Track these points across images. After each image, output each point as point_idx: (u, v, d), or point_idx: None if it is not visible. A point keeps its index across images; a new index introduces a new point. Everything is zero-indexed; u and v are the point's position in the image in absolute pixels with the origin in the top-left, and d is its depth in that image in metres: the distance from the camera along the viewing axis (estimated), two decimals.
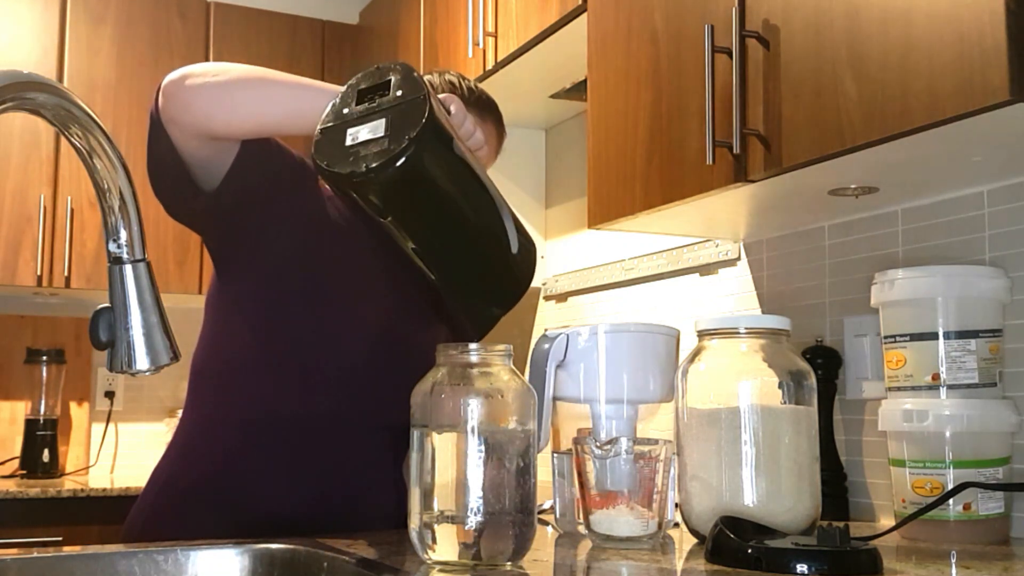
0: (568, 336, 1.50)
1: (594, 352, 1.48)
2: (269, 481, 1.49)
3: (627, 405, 1.48)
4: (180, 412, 1.63)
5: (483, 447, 1.12)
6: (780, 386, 1.34)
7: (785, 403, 1.34)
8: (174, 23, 3.47)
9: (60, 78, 3.29)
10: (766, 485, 1.31)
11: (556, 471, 1.50)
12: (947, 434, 1.45)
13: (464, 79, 1.73)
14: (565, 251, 2.91)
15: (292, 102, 1.41)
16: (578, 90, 2.63)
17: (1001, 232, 1.60)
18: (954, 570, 1.20)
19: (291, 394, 1.51)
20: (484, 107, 1.71)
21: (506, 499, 1.13)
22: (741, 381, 1.34)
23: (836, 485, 1.80)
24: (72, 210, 3.27)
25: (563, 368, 1.50)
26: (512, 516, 1.12)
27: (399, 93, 1.27)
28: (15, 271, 3.23)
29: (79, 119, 0.95)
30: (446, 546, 1.12)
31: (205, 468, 1.51)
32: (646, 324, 1.54)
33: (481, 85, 2.62)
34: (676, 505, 1.39)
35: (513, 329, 3.08)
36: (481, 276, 1.40)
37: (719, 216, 1.91)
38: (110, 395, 3.61)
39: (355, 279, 1.56)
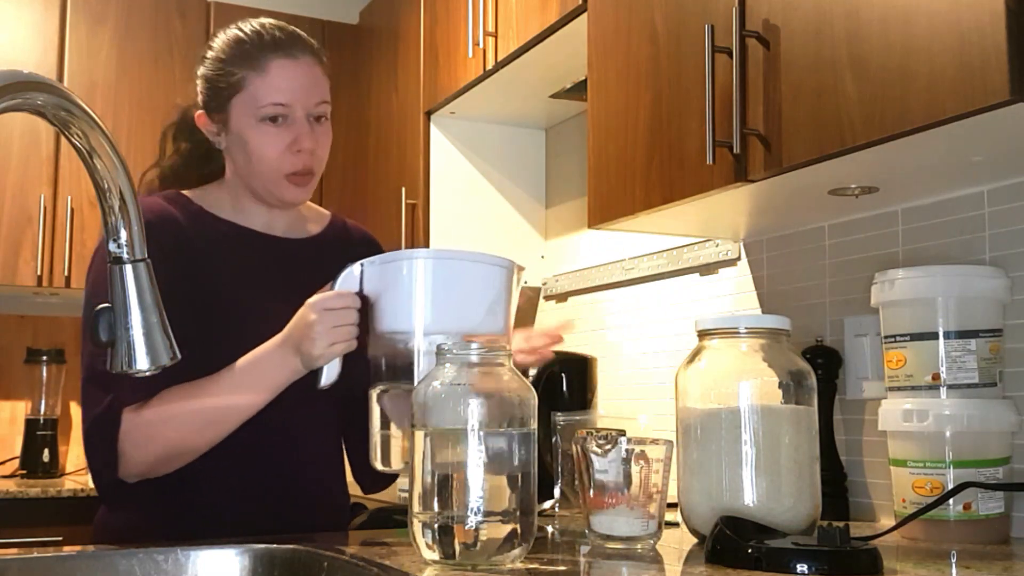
0: (363, 266, 1.37)
1: (407, 282, 1.35)
2: (221, 491, 1.48)
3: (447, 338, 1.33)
4: None
5: (483, 447, 1.12)
6: (780, 386, 1.34)
7: (785, 403, 1.34)
8: (174, 23, 3.47)
9: (60, 78, 3.29)
10: (766, 485, 1.31)
11: (372, 409, 1.40)
12: (947, 434, 1.45)
13: (267, 24, 1.57)
14: (565, 251, 2.91)
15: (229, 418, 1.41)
16: (578, 90, 2.63)
17: (1001, 232, 1.60)
18: (954, 570, 1.20)
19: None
20: (289, 45, 1.55)
21: (506, 499, 1.13)
22: (741, 381, 1.34)
23: (836, 485, 1.80)
24: (72, 210, 3.27)
25: (380, 299, 1.37)
26: (512, 516, 1.12)
27: None
28: (15, 271, 3.23)
29: (79, 119, 0.95)
30: (446, 546, 1.12)
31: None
32: (467, 253, 1.40)
33: (481, 85, 2.65)
34: (673, 505, 1.39)
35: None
36: None
37: (719, 216, 1.91)
38: None
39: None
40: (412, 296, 1.34)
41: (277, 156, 1.51)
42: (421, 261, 1.35)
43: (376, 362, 1.36)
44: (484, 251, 1.44)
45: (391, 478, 1.65)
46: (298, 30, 1.58)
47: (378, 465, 1.38)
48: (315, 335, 1.34)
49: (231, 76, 1.51)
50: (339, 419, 1.61)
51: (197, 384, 1.41)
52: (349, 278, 1.37)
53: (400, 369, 1.34)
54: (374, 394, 1.37)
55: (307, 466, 1.55)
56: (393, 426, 1.38)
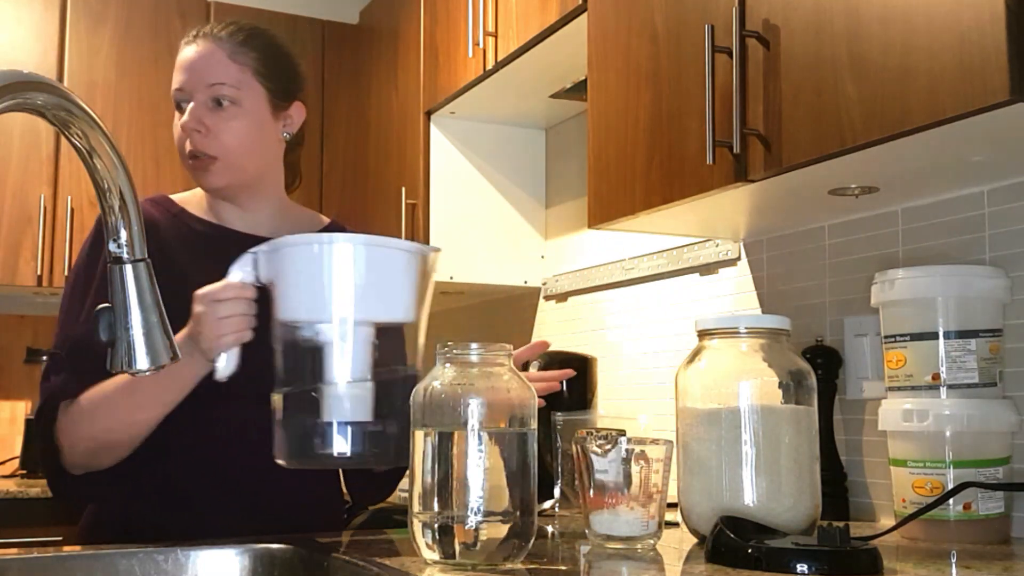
0: (256, 254, 1.32)
1: (306, 268, 1.28)
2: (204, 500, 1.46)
3: (359, 328, 1.27)
4: None
5: (483, 447, 1.12)
6: (780, 386, 1.34)
7: (785, 403, 1.34)
8: (174, 23, 3.47)
9: (60, 78, 3.29)
10: (766, 485, 1.31)
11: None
12: (947, 434, 1.45)
13: (221, 25, 1.58)
14: (565, 251, 2.91)
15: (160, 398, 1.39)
16: (578, 90, 2.63)
17: (1001, 232, 1.60)
18: (954, 570, 1.20)
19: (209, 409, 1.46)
20: (199, 35, 1.55)
21: (506, 499, 1.13)
22: (741, 381, 1.34)
23: (836, 485, 1.80)
24: (72, 210, 3.27)
25: (278, 287, 1.30)
26: (512, 516, 1.13)
27: None
28: (15, 271, 3.23)
29: (79, 119, 0.95)
30: (446, 546, 1.12)
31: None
32: (369, 236, 1.33)
33: (481, 85, 2.65)
34: (673, 505, 1.39)
35: (513, 329, 3.08)
36: None
37: (719, 216, 1.91)
38: None
39: None
40: (316, 283, 1.27)
41: (179, 139, 1.53)
42: (320, 247, 1.29)
43: (276, 352, 1.31)
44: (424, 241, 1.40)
45: (381, 490, 1.63)
46: (235, 23, 1.57)
47: (276, 457, 1.33)
48: (202, 327, 1.32)
49: None
50: None
51: (120, 376, 1.38)
52: (241, 267, 1.32)
53: (299, 360, 1.29)
54: (275, 395, 1.31)
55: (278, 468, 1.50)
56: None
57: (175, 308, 1.40)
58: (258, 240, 1.56)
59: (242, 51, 1.55)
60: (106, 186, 0.98)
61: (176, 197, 1.59)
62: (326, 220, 1.69)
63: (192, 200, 1.59)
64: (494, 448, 1.13)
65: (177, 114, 1.54)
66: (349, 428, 1.26)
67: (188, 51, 1.54)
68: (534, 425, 1.17)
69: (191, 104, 1.52)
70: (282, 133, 1.60)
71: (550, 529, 1.56)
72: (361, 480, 1.62)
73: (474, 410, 1.12)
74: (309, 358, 1.28)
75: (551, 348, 1.68)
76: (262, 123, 1.56)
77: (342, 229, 1.69)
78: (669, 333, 2.40)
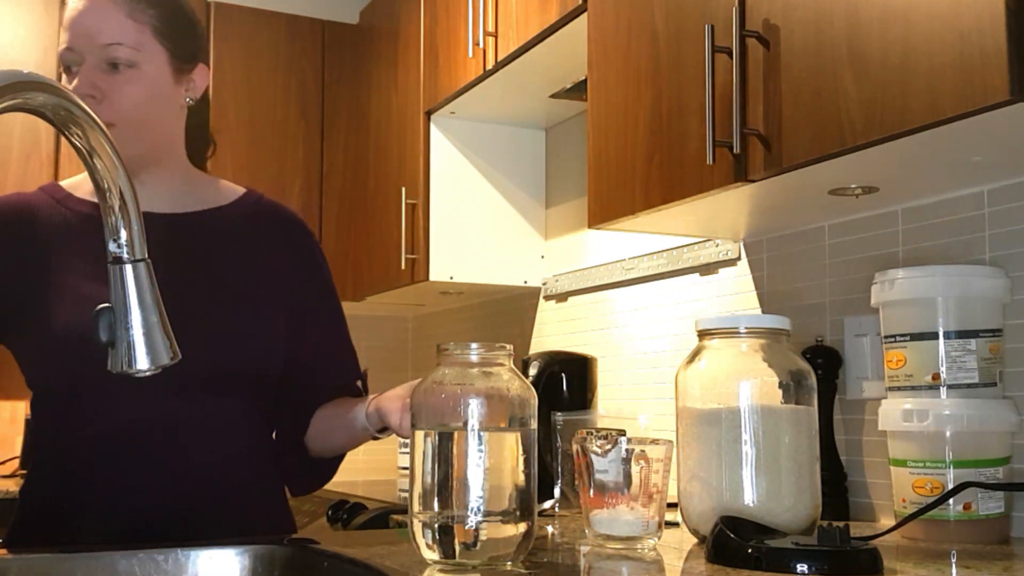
0: None
1: None
2: (126, 490, 1.40)
3: None
4: None
5: (483, 447, 1.12)
6: (780, 386, 1.34)
7: (785, 403, 1.34)
8: None
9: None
10: (766, 485, 1.31)
11: None
12: (947, 434, 1.45)
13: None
14: (565, 251, 2.91)
15: None
16: (578, 90, 2.63)
17: (1001, 232, 1.60)
18: (954, 570, 1.20)
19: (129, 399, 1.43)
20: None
21: (506, 499, 1.13)
22: (741, 381, 1.34)
23: (836, 485, 1.80)
24: None
25: None
26: (512, 516, 1.13)
27: None
28: None
29: (79, 119, 0.95)
30: (446, 546, 1.12)
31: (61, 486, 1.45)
32: None
33: (481, 85, 2.65)
34: (673, 505, 1.39)
35: (513, 329, 3.08)
36: None
37: (719, 216, 1.91)
38: None
39: None
40: None
41: None
42: None
43: None
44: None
45: (318, 479, 1.59)
46: None
47: None
48: None
49: None
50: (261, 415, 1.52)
51: None
52: None
53: None
54: None
55: (189, 462, 1.42)
56: None
57: (54, 296, 1.40)
58: (154, 217, 1.43)
59: (140, 8, 1.41)
60: (106, 186, 0.98)
61: (65, 183, 1.50)
62: (241, 190, 1.57)
63: (83, 184, 1.49)
64: (494, 448, 1.13)
65: (66, 77, 1.41)
66: None
67: (77, 3, 1.39)
68: (534, 425, 1.17)
69: (82, 66, 1.39)
70: (185, 99, 1.49)
71: (550, 529, 1.56)
72: (295, 470, 1.56)
73: (474, 410, 1.12)
74: None
75: (551, 348, 1.68)
76: (163, 88, 1.44)
77: (257, 199, 1.57)
78: (669, 333, 2.41)
